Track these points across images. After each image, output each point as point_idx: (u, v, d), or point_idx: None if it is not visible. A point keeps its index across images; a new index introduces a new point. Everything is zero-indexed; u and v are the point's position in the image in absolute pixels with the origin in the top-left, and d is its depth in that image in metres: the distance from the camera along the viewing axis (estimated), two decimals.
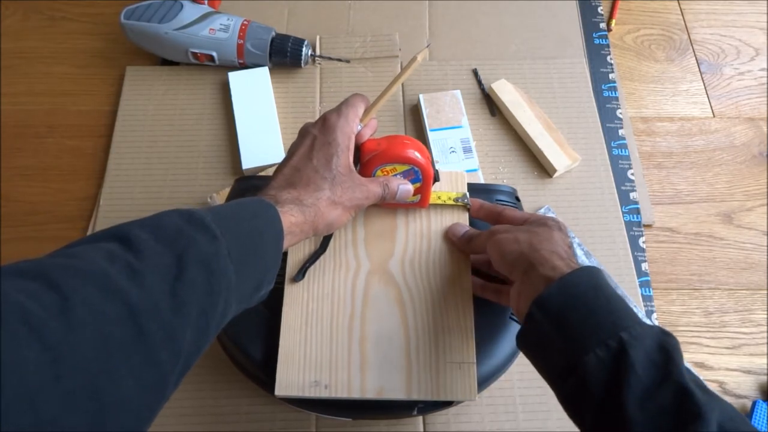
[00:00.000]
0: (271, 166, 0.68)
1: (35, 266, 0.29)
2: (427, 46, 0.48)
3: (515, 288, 0.42)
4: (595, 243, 0.65)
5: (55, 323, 0.27)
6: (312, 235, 0.45)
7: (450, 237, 0.51)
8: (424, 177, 0.48)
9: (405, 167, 0.48)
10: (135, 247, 0.32)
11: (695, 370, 0.59)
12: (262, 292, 0.41)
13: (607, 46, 0.81)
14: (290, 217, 0.41)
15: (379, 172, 0.48)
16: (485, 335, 0.48)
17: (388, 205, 0.51)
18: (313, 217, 0.43)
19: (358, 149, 0.48)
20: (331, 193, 0.44)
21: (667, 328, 0.62)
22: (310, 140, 0.46)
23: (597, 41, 0.81)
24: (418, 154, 0.47)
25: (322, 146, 0.45)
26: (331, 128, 0.46)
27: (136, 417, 0.29)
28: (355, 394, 0.45)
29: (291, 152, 0.47)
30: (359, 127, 0.48)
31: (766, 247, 0.67)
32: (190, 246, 0.34)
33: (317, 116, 0.73)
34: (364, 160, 0.47)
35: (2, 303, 0.26)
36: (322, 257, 0.50)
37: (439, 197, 0.52)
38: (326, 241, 0.50)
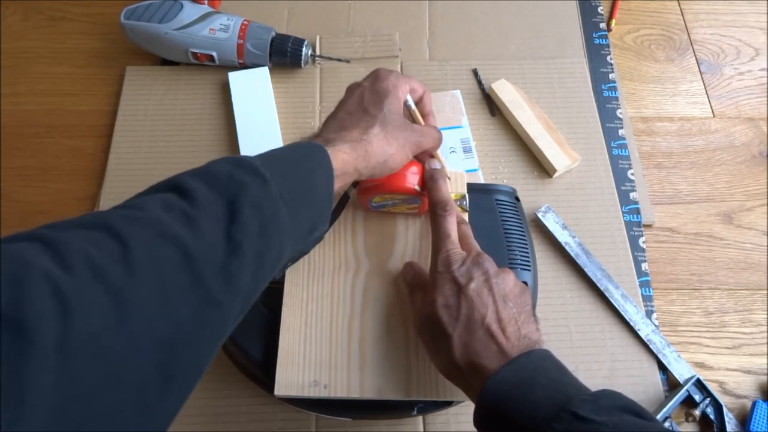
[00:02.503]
0: None
1: (95, 218, 0.31)
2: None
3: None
4: (595, 243, 0.65)
5: (117, 268, 0.28)
6: (367, 174, 0.44)
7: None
8: (422, 200, 0.49)
9: (404, 195, 0.48)
10: (189, 195, 0.33)
11: (693, 371, 0.59)
12: (317, 234, 0.42)
13: (607, 46, 0.81)
14: (341, 155, 0.41)
15: (377, 198, 0.49)
16: None
17: (387, 211, 0.51)
18: (365, 152, 0.43)
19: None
20: (381, 128, 0.44)
21: (667, 328, 0.62)
22: (360, 90, 0.47)
23: (597, 41, 0.81)
24: (416, 184, 0.47)
25: (372, 92, 0.47)
26: (382, 78, 0.47)
27: (199, 353, 0.31)
28: (355, 394, 0.45)
29: (339, 104, 0.48)
30: (409, 100, 0.49)
31: (766, 247, 0.67)
32: (242, 190, 0.34)
33: (317, 116, 0.73)
34: (363, 187, 0.48)
35: (69, 250, 0.28)
36: (320, 258, 0.50)
37: None
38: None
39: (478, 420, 0.39)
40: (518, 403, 0.36)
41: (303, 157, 0.40)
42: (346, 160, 0.42)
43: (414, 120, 0.51)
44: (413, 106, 0.50)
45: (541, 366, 0.38)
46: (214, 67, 0.75)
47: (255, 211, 0.34)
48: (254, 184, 0.35)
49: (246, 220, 0.34)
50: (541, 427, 0.35)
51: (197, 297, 0.31)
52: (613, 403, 0.36)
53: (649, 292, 0.64)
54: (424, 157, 0.50)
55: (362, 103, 0.46)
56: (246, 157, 0.37)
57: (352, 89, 0.48)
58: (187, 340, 0.30)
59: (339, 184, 0.42)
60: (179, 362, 0.30)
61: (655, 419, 0.36)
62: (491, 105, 0.74)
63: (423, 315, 0.43)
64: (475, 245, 0.46)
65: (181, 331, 0.30)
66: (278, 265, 0.38)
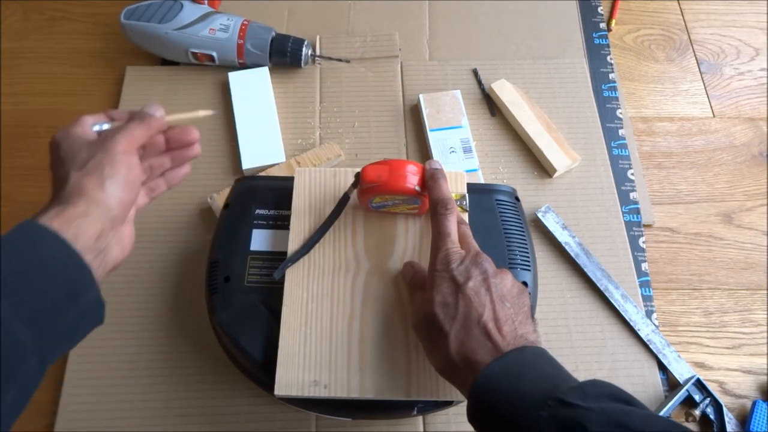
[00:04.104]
0: (271, 166, 0.68)
1: None
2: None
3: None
4: (595, 243, 0.65)
5: None
6: (112, 210, 0.39)
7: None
8: (422, 200, 0.49)
9: (404, 196, 0.48)
10: None
11: (694, 371, 0.59)
12: (83, 304, 0.36)
13: (607, 46, 0.81)
14: (56, 219, 0.36)
15: (377, 199, 0.49)
16: None
17: (387, 211, 0.51)
18: (75, 201, 0.37)
19: (359, 176, 0.48)
20: (72, 170, 0.39)
21: (667, 328, 0.62)
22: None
23: (597, 41, 0.81)
24: (416, 185, 0.47)
25: (51, 159, 0.41)
26: (51, 142, 0.42)
27: None
28: (355, 394, 0.45)
29: None
30: (100, 127, 0.43)
31: (766, 247, 0.67)
32: None
33: (317, 116, 0.73)
34: (364, 188, 0.47)
35: None
36: (320, 258, 0.50)
37: None
38: (310, 241, 0.50)
39: (470, 413, 0.39)
40: (507, 394, 0.37)
41: (11, 239, 0.35)
42: (65, 218, 0.36)
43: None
44: (109, 126, 0.44)
45: (532, 361, 0.39)
46: (214, 67, 0.75)
47: None
48: None
49: None
50: (529, 415, 0.35)
51: None
52: (600, 390, 0.36)
53: (649, 292, 0.64)
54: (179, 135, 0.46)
55: (53, 175, 0.41)
56: None
57: None
58: None
59: (84, 241, 0.36)
60: None
61: (645, 407, 0.36)
62: (491, 105, 0.74)
63: (420, 312, 0.43)
64: (475, 245, 0.46)
65: None
66: (27, 361, 0.32)
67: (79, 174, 0.38)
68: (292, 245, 0.50)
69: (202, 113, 0.49)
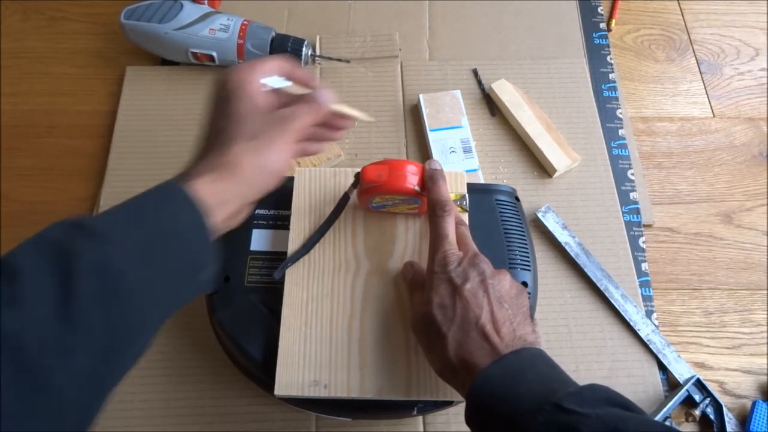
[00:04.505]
0: None
1: None
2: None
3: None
4: (595, 243, 0.65)
5: None
6: (255, 192, 0.40)
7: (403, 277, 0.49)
8: (422, 200, 0.49)
9: (404, 196, 0.48)
10: (13, 274, 0.30)
11: (694, 371, 0.59)
12: (205, 275, 0.37)
13: (607, 46, 0.81)
14: (207, 186, 0.37)
15: (377, 199, 0.49)
16: None
17: (387, 212, 0.51)
18: (232, 173, 0.38)
19: (359, 176, 0.47)
20: (238, 139, 0.39)
21: (667, 328, 0.62)
22: (210, 106, 0.42)
23: (597, 41, 0.81)
24: (416, 185, 0.47)
25: (216, 104, 0.41)
26: (222, 83, 0.41)
27: None
28: (355, 394, 0.45)
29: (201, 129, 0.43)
30: (273, 82, 0.42)
31: (766, 247, 0.67)
32: (76, 258, 0.31)
33: None
34: (364, 188, 0.47)
35: None
36: (320, 258, 0.50)
37: None
38: (310, 241, 0.50)
39: (467, 416, 0.39)
40: (504, 397, 0.37)
41: (156, 205, 0.36)
42: (215, 189, 0.37)
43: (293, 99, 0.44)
44: (283, 85, 0.43)
45: (530, 363, 0.38)
46: (214, 67, 0.75)
47: (93, 280, 0.31)
48: (90, 249, 0.31)
49: (82, 290, 0.30)
50: (526, 419, 0.35)
51: (23, 385, 0.28)
52: (598, 395, 0.36)
53: (649, 292, 0.64)
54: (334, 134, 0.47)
55: (213, 120, 0.41)
56: (85, 219, 0.34)
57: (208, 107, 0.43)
58: (23, 428, 0.27)
59: (223, 215, 0.38)
60: None
61: (643, 412, 0.36)
62: (491, 105, 0.74)
63: (418, 314, 0.43)
64: (473, 246, 0.46)
65: (14, 421, 0.27)
66: (148, 325, 0.34)
67: (244, 148, 0.39)
68: (292, 245, 0.50)
69: (365, 117, 0.48)
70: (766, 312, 0.64)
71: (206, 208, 0.36)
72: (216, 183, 0.37)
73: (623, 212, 0.67)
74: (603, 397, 0.36)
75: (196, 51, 0.72)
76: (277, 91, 0.43)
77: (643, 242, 0.67)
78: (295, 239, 0.51)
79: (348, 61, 0.77)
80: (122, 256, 0.32)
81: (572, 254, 0.63)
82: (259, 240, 0.53)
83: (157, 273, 0.34)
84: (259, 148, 0.39)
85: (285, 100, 0.43)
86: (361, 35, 0.79)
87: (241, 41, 0.72)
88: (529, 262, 0.53)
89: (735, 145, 0.75)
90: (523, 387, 0.37)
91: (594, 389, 0.36)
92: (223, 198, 0.38)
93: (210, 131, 0.41)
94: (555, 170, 0.68)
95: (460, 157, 0.68)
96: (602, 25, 0.82)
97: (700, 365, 0.61)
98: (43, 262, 0.30)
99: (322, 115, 0.43)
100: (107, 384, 0.32)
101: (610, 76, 0.78)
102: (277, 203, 0.54)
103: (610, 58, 0.79)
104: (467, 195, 0.52)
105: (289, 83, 0.43)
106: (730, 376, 0.60)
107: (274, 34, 0.73)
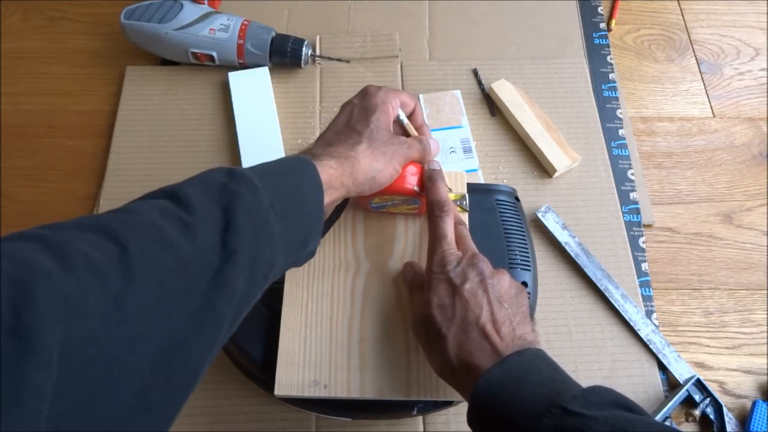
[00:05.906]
0: None
1: (92, 221, 0.31)
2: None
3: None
4: (595, 243, 0.65)
5: (116, 271, 0.28)
6: (356, 191, 0.45)
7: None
8: (422, 201, 0.49)
9: (404, 196, 0.48)
10: (185, 202, 0.34)
11: (694, 371, 0.59)
12: (309, 248, 0.42)
13: (607, 46, 0.81)
14: (328, 170, 0.42)
15: (377, 199, 0.49)
16: None
17: (387, 212, 0.52)
18: (351, 168, 0.43)
19: None
20: (368, 144, 0.45)
21: (667, 328, 0.62)
22: (350, 109, 0.48)
23: (597, 41, 0.81)
24: (415, 185, 0.47)
25: (360, 110, 0.47)
26: (371, 95, 0.48)
27: (194, 357, 0.32)
28: (355, 394, 0.45)
29: (330, 124, 0.49)
30: (401, 114, 0.50)
31: (766, 247, 0.67)
32: (236, 198, 0.35)
33: (317, 116, 0.73)
34: None
35: (69, 251, 0.28)
36: (320, 258, 0.50)
37: None
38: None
39: (470, 419, 0.39)
40: (508, 400, 0.36)
41: (292, 171, 0.40)
42: (333, 174, 0.42)
43: (406, 133, 0.51)
44: (405, 121, 0.51)
45: (532, 364, 0.38)
46: (214, 67, 0.75)
47: (248, 219, 0.35)
48: (247, 193, 0.36)
49: (240, 227, 0.34)
50: (531, 422, 0.35)
51: (193, 302, 0.31)
52: (603, 398, 0.36)
53: (649, 292, 0.64)
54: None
55: (350, 121, 0.47)
56: (237, 168, 0.38)
57: (343, 107, 0.49)
58: (184, 345, 0.30)
59: (328, 199, 0.42)
60: (176, 367, 0.30)
61: (647, 413, 0.36)
62: (491, 105, 0.74)
63: (418, 315, 0.43)
64: (472, 246, 0.46)
65: (178, 335, 0.30)
66: (270, 275, 0.38)
67: (368, 152, 0.44)
68: None
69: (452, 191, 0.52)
70: (766, 312, 0.64)
71: (324, 187, 0.41)
72: (336, 169, 0.42)
73: (623, 212, 0.67)
74: (608, 399, 0.36)
75: (196, 51, 0.72)
76: (396, 121, 0.50)
77: (643, 242, 0.67)
78: None
79: (348, 61, 0.77)
80: (267, 208, 0.36)
81: (572, 254, 0.63)
82: None
83: (286, 231, 0.38)
84: (379, 157, 0.45)
85: (399, 131, 0.51)
86: (361, 35, 0.79)
87: (241, 41, 0.72)
88: (529, 262, 0.53)
89: (735, 145, 0.75)
90: (526, 390, 0.37)
91: (598, 391, 0.36)
92: (335, 184, 0.42)
93: (343, 129, 0.47)
94: (555, 170, 0.68)
95: (460, 157, 0.68)
96: (602, 25, 0.82)
97: (700, 365, 0.61)
98: (209, 201, 0.35)
99: (424, 159, 0.49)
100: (242, 312, 0.36)
101: (610, 76, 0.78)
102: None
103: (610, 58, 0.79)
104: (467, 195, 0.52)
105: (406, 121, 0.51)
106: (730, 376, 0.60)
107: (274, 34, 0.73)
